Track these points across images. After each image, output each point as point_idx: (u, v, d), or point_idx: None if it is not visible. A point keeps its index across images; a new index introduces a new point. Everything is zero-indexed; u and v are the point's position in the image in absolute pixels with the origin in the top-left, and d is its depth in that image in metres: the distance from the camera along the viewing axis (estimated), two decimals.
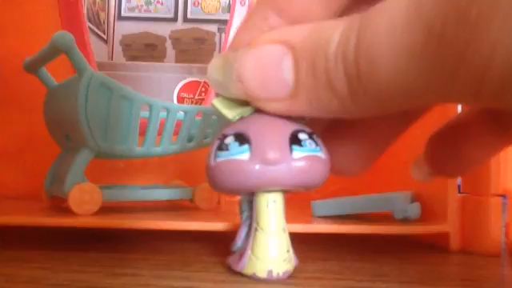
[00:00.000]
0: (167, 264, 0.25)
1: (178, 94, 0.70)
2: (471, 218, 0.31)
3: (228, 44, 0.53)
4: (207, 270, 0.23)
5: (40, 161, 0.38)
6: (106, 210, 0.33)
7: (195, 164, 0.52)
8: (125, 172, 0.50)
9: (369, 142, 0.19)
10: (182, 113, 0.40)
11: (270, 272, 0.20)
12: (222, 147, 0.19)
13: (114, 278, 0.21)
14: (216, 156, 0.19)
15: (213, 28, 1.54)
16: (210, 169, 0.19)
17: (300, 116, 0.18)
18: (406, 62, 0.12)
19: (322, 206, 0.36)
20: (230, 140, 0.19)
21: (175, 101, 0.69)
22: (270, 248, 0.20)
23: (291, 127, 0.19)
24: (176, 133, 0.40)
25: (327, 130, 0.20)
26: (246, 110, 0.18)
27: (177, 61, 1.53)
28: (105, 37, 1.44)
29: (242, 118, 0.19)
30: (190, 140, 0.41)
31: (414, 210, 0.33)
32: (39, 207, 0.36)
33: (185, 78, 0.71)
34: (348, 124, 0.19)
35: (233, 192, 0.20)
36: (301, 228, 0.28)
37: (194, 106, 0.41)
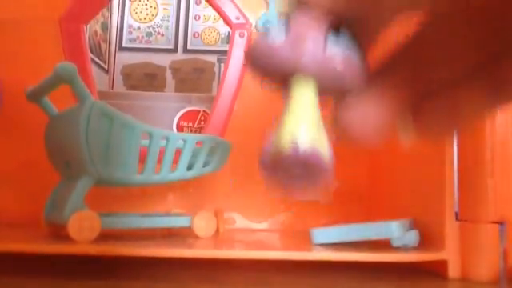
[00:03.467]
0: None
1: (178, 122, 0.71)
2: (469, 245, 0.31)
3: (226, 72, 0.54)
4: None
5: (40, 187, 0.39)
6: (105, 237, 0.33)
7: (194, 192, 0.52)
8: (124, 200, 0.50)
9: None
10: (181, 141, 0.40)
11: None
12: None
13: None
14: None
15: (212, 58, 1.56)
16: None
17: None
18: None
19: (320, 233, 0.36)
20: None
21: (175, 129, 0.69)
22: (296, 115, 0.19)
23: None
24: (175, 161, 0.40)
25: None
26: None
27: (176, 90, 1.55)
28: (106, 67, 1.46)
29: None
30: (189, 168, 0.41)
31: (412, 237, 0.33)
32: (38, 234, 0.36)
33: (184, 107, 0.72)
34: None
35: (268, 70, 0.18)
36: (300, 256, 0.28)
37: (193, 135, 0.42)
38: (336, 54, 0.18)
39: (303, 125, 0.18)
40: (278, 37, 0.18)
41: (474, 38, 0.15)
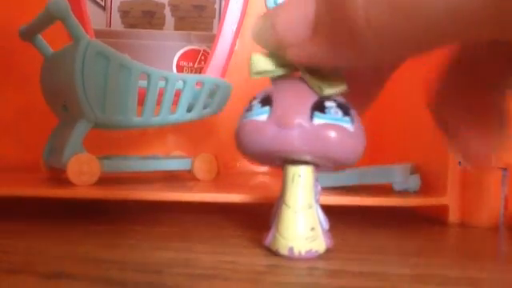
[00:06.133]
0: (166, 236, 0.25)
1: (177, 62, 0.69)
2: (471, 191, 0.31)
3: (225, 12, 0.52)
4: (206, 242, 0.24)
5: (38, 132, 0.38)
6: (104, 180, 0.33)
7: (195, 134, 0.52)
8: (124, 142, 0.50)
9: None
10: (180, 82, 0.39)
11: (291, 249, 0.19)
12: (248, 108, 0.19)
13: (112, 249, 0.21)
14: (242, 117, 0.19)
15: None
16: (236, 131, 0.19)
17: (321, 64, 0.17)
18: None
19: (321, 177, 0.36)
20: (255, 101, 0.19)
21: (174, 69, 0.68)
22: (291, 224, 0.19)
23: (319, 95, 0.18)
24: (175, 102, 0.40)
25: None
26: (272, 71, 0.18)
27: (176, 28, 1.51)
28: (102, 3, 1.41)
29: (274, 81, 0.19)
30: (189, 110, 0.40)
31: (414, 181, 0.33)
32: (37, 178, 0.36)
33: (184, 46, 0.70)
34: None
35: (254, 155, 0.19)
36: None
37: (193, 76, 0.41)
38: (322, 127, 0.17)
39: (295, 231, 0.19)
40: (261, 115, 0.18)
41: None
